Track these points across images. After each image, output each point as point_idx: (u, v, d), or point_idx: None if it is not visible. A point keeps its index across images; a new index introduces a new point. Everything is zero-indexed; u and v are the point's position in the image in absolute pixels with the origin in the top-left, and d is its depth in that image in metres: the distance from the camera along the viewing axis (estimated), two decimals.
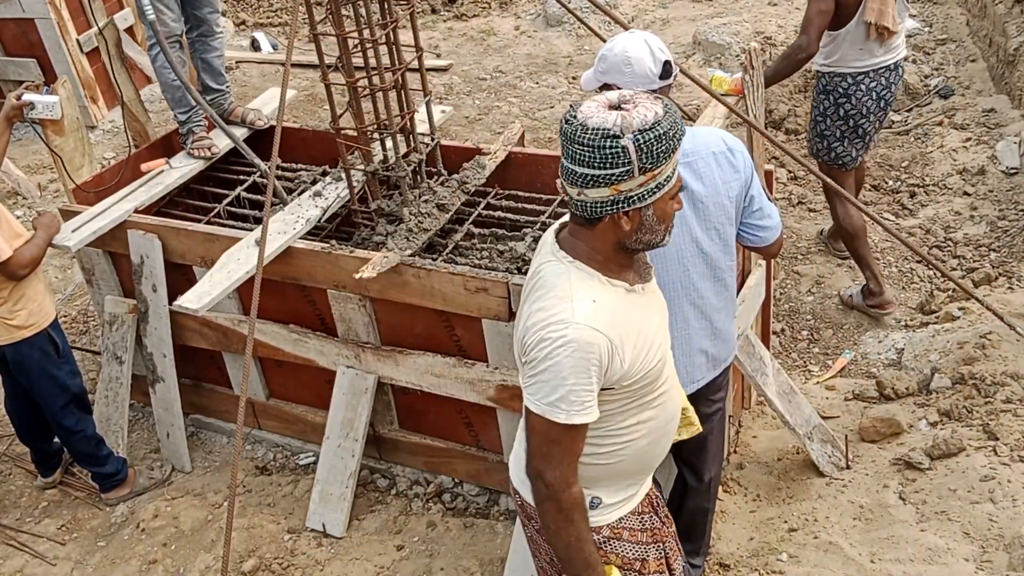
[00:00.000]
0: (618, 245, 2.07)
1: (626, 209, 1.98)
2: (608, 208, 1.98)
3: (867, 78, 4.34)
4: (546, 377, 2.01)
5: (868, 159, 5.70)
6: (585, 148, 1.93)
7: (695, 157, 2.60)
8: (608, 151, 1.91)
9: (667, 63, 2.58)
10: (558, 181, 2.08)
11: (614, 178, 1.93)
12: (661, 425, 2.26)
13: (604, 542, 2.29)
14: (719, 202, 2.64)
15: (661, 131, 1.91)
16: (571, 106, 2.02)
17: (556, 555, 2.18)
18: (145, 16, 3.92)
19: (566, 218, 2.20)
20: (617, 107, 1.96)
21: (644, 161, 1.91)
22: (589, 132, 1.92)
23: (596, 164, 1.93)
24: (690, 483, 3.10)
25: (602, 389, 2.06)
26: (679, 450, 2.92)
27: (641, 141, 1.90)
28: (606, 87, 2.63)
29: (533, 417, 2.06)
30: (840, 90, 4.40)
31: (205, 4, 4.41)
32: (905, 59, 4.57)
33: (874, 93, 4.37)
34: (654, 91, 2.58)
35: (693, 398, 2.70)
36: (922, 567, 3.16)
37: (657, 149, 1.91)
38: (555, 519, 2.12)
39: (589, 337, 1.98)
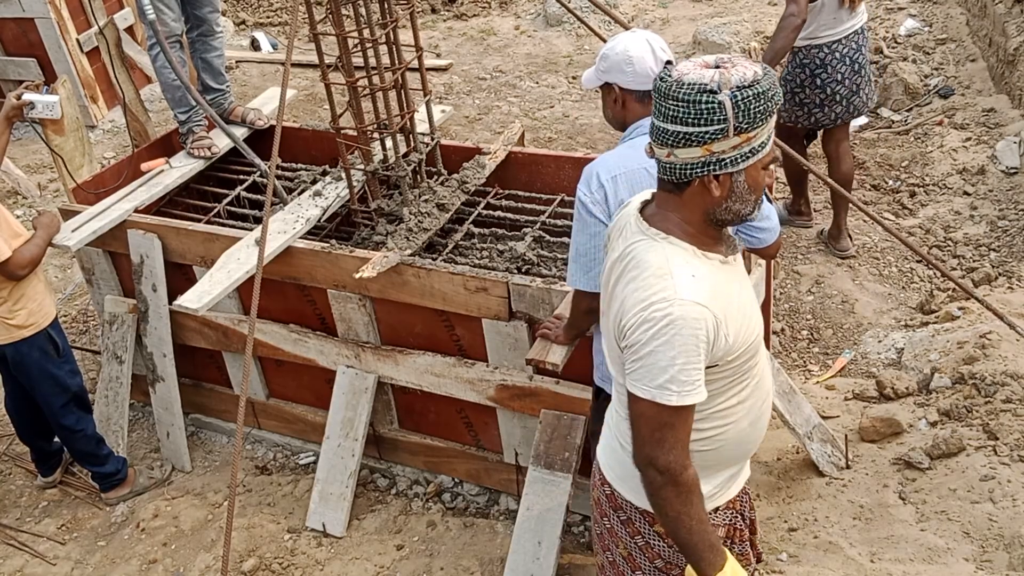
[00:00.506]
0: (707, 215, 1.98)
1: (717, 173, 1.89)
2: (698, 170, 1.89)
3: (840, 45, 4.62)
4: (653, 359, 1.92)
5: (868, 157, 5.71)
6: (679, 103, 1.85)
7: None
8: (704, 106, 1.83)
9: (668, 63, 2.57)
10: (646, 144, 2.00)
11: (707, 136, 1.85)
12: (759, 404, 2.18)
13: None
14: None
15: (760, 89, 1.83)
16: (666, 65, 1.95)
17: (678, 543, 2.07)
18: (145, 16, 3.92)
19: (645, 197, 2.14)
20: (715, 67, 1.88)
21: (740, 120, 1.83)
22: (685, 87, 1.84)
23: (690, 120, 1.85)
24: None
25: (706, 367, 1.97)
26: None
27: (739, 98, 1.82)
28: (607, 86, 2.63)
29: (641, 403, 1.97)
30: (817, 61, 4.66)
31: (205, 4, 4.41)
32: (867, 22, 4.85)
33: (847, 59, 4.65)
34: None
35: None
36: (922, 567, 3.16)
37: (755, 108, 1.83)
38: (674, 505, 2.01)
39: (695, 313, 1.90)
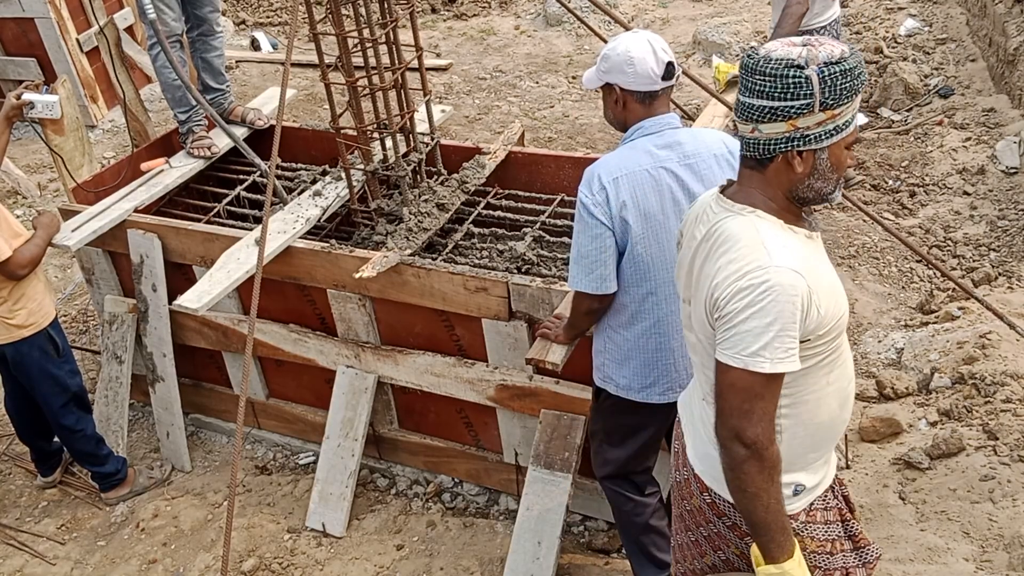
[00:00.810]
0: (789, 192, 1.99)
1: (800, 149, 1.91)
2: (782, 146, 1.92)
3: (825, 31, 4.84)
4: (747, 327, 1.91)
5: (868, 157, 5.71)
6: (766, 78, 1.87)
7: (696, 159, 2.60)
8: (790, 80, 1.85)
9: (670, 64, 2.57)
10: (729, 120, 2.01)
11: (792, 111, 1.87)
12: (846, 385, 2.15)
13: (801, 527, 2.16)
14: None
15: (847, 66, 1.85)
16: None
17: (752, 521, 2.02)
18: (146, 15, 3.92)
19: (721, 183, 2.16)
20: (803, 45, 1.91)
21: (826, 95, 1.85)
22: (772, 62, 1.87)
23: (776, 95, 1.87)
24: None
25: (799, 342, 1.95)
26: None
27: (826, 73, 1.84)
28: (608, 87, 2.63)
29: (732, 373, 1.94)
30: None
31: (206, 3, 4.41)
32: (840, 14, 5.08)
33: None
34: (655, 92, 2.59)
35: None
36: (922, 567, 3.16)
37: (841, 84, 1.85)
38: (756, 480, 1.96)
39: (791, 279, 1.89)
